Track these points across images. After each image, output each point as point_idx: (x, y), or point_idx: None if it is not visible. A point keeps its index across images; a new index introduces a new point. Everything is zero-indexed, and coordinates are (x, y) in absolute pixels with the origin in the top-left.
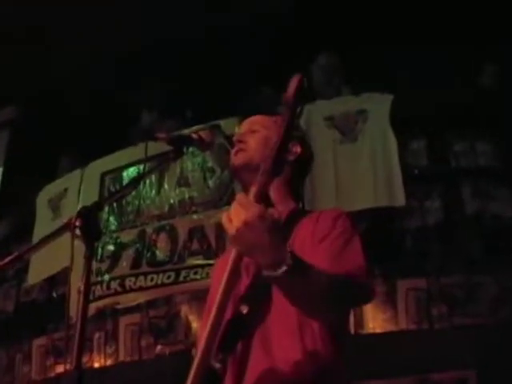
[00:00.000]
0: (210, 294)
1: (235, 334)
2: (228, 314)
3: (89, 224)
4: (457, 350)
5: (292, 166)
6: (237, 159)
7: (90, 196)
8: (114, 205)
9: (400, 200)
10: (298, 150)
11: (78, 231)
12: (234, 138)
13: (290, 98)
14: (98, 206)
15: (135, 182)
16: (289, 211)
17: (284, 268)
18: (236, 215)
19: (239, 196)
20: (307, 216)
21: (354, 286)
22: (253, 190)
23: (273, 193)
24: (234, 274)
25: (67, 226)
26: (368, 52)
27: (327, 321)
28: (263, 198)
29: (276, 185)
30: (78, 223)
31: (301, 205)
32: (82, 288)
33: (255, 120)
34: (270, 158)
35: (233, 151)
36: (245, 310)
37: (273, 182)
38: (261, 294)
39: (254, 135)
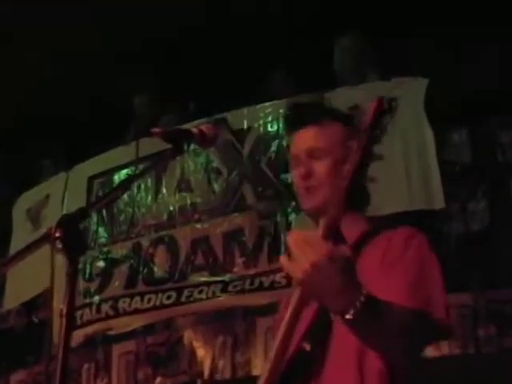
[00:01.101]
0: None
1: (297, 371)
2: (290, 351)
3: (72, 235)
4: (509, 379)
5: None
6: (308, 202)
7: (75, 204)
8: (104, 214)
9: (439, 202)
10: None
11: (58, 243)
12: (292, 164)
13: (368, 121)
14: (82, 214)
15: (126, 183)
16: (359, 234)
17: (353, 311)
18: (302, 255)
19: (305, 233)
20: (380, 235)
21: (432, 324)
22: (322, 223)
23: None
24: (295, 317)
25: (46, 238)
26: (398, 32)
27: (400, 362)
28: (333, 233)
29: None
30: (58, 234)
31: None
32: (65, 310)
33: (314, 144)
34: (342, 188)
35: (300, 188)
36: (307, 347)
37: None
38: (323, 331)
39: (320, 165)
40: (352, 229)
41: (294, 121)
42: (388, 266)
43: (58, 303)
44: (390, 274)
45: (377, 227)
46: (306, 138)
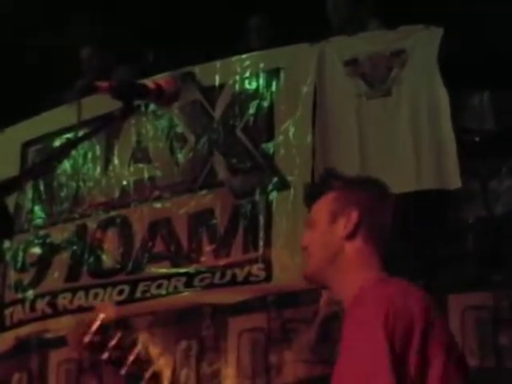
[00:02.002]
0: None
1: None
2: None
3: None
4: None
5: (355, 238)
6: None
7: (6, 175)
8: (41, 188)
9: (454, 181)
10: (354, 214)
11: None
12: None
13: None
14: (11, 186)
15: (67, 148)
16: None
17: None
18: None
19: None
20: (361, 298)
21: None
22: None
23: (337, 277)
24: None
25: None
26: None
27: None
28: None
29: (340, 267)
30: None
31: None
32: None
33: (310, 215)
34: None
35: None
36: None
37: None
38: None
39: (310, 235)
40: (350, 289)
41: (308, 200)
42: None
43: None
44: (341, 363)
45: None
46: (311, 212)
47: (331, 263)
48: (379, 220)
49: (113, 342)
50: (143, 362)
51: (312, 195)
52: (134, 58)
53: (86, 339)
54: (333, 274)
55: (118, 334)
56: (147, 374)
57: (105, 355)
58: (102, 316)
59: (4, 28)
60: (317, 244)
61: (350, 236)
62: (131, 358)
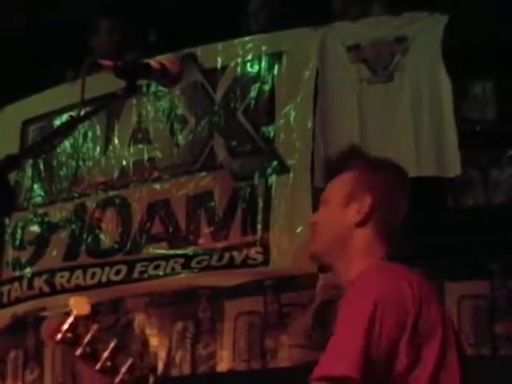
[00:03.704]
0: None
1: None
2: None
3: None
4: None
5: (365, 225)
6: (310, 248)
7: (6, 153)
8: (41, 167)
9: (454, 168)
10: (368, 200)
11: None
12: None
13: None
14: (12, 162)
15: (68, 127)
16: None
17: None
18: None
19: None
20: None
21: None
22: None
23: (344, 259)
24: None
25: None
26: None
27: None
28: None
29: (349, 253)
30: None
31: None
32: None
33: (323, 193)
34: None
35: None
36: None
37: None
38: None
39: (321, 212)
40: (352, 274)
41: (327, 176)
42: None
43: None
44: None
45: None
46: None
47: (338, 246)
48: (393, 207)
49: (88, 338)
50: (118, 357)
51: (331, 171)
52: (137, 39)
53: (58, 337)
54: (338, 257)
55: (94, 327)
56: (123, 369)
57: (78, 351)
58: (75, 312)
59: (5, 4)
60: (327, 223)
61: (361, 223)
62: (105, 354)
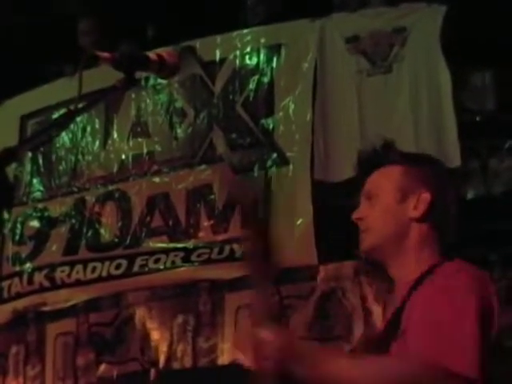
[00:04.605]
0: None
1: None
2: None
3: None
4: None
5: (423, 220)
6: (361, 245)
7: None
8: (40, 161)
9: (453, 159)
10: (426, 196)
11: None
12: None
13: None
14: (10, 155)
15: (65, 120)
16: (416, 278)
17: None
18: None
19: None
20: (434, 275)
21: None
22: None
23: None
24: None
25: None
26: None
27: None
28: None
29: (403, 250)
30: None
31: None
32: None
33: (369, 186)
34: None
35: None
36: None
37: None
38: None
39: (371, 208)
40: (407, 270)
41: (362, 169)
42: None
43: None
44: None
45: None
46: (368, 182)
47: (394, 241)
48: (447, 202)
49: None
50: None
51: (368, 165)
52: (134, 33)
53: None
54: (393, 252)
55: None
56: None
57: None
58: None
59: (4, 2)
60: (379, 219)
61: (420, 219)
62: None
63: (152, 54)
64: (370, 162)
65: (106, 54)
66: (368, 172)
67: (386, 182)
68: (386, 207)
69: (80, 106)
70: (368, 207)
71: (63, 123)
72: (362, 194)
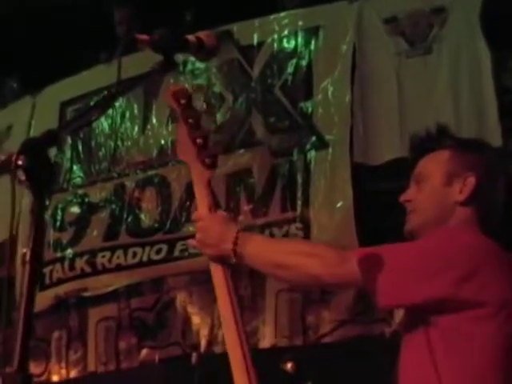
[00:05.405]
0: None
1: None
2: None
3: (38, 163)
4: None
5: (468, 204)
6: (406, 225)
7: None
8: (80, 148)
9: (494, 139)
10: (472, 180)
11: (21, 174)
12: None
13: None
14: (52, 138)
15: (105, 103)
16: None
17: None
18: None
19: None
20: None
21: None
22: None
23: None
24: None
25: (5, 166)
26: None
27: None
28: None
29: None
30: (20, 161)
31: None
32: (28, 256)
33: (418, 169)
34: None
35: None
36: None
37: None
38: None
39: (419, 190)
40: None
41: (415, 153)
42: None
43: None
44: None
45: None
46: (419, 165)
47: (438, 224)
48: (494, 189)
49: None
50: None
51: (421, 149)
52: (172, 20)
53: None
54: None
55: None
56: None
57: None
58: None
59: None
60: (426, 202)
61: (465, 202)
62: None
63: (190, 36)
64: (422, 145)
65: (144, 37)
66: (420, 155)
67: (435, 165)
68: (433, 190)
69: (119, 89)
70: (416, 190)
71: (102, 107)
72: (412, 176)
